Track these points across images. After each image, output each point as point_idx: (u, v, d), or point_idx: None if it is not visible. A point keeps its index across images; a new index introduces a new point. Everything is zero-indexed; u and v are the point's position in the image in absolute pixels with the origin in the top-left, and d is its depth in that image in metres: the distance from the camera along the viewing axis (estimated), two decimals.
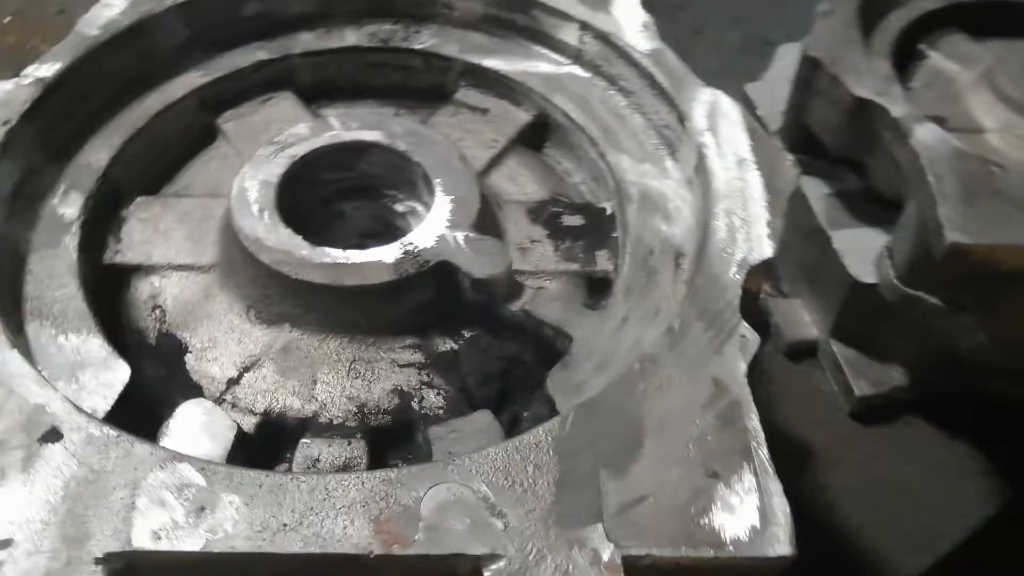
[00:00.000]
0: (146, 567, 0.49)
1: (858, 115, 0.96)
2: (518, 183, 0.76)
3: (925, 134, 0.90)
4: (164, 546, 0.48)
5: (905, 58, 1.10)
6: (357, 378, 0.63)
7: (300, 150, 0.71)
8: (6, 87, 0.71)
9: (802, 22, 1.23)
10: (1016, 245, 0.80)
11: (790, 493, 0.94)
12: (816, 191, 1.06)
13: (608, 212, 0.72)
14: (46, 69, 0.72)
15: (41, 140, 0.72)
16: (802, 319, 1.10)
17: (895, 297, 0.94)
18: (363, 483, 0.50)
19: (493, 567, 0.48)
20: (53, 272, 0.66)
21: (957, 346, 0.93)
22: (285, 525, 0.49)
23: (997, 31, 1.13)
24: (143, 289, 0.69)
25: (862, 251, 1.00)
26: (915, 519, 0.93)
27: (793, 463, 0.95)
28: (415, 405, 0.62)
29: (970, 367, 0.97)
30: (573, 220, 0.72)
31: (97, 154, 0.73)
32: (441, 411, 0.62)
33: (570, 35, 0.80)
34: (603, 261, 0.70)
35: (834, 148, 0.99)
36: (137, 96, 0.77)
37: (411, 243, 0.65)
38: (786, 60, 1.19)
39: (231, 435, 0.59)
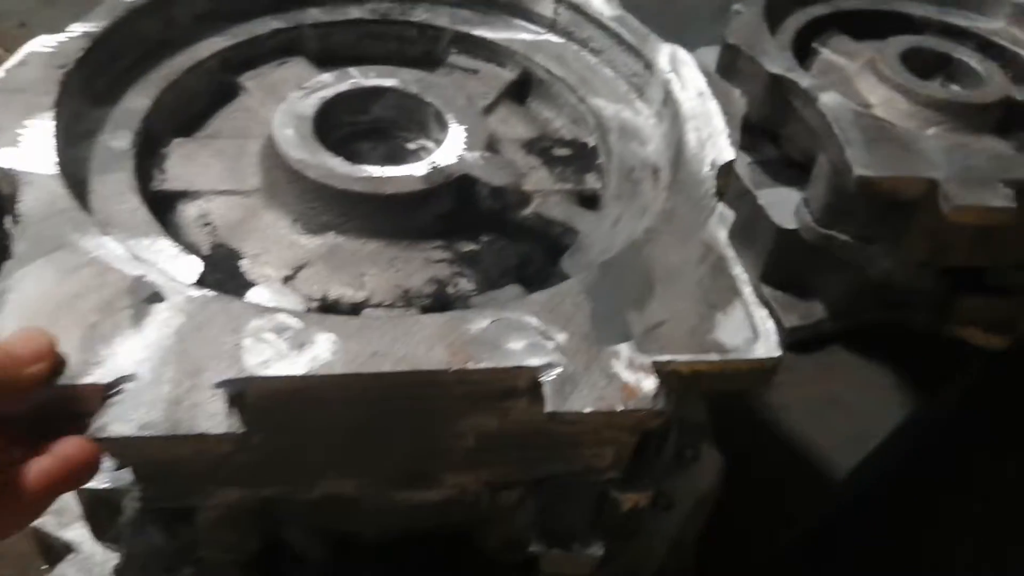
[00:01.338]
0: (257, 393, 0.57)
1: (773, 89, 1.14)
2: (510, 126, 0.89)
3: (828, 99, 1.08)
4: (273, 372, 0.57)
5: (802, 54, 1.31)
6: (398, 271, 0.73)
7: (328, 93, 0.81)
8: (59, 38, 0.79)
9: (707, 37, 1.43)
10: (910, 176, 0.98)
11: (742, 409, 1.09)
12: (741, 160, 1.23)
13: (591, 145, 0.86)
14: (91, 26, 0.81)
15: (88, 86, 0.80)
16: None
17: (814, 237, 1.11)
18: (435, 320, 0.61)
19: (550, 375, 0.59)
20: (114, 191, 0.74)
21: (869, 275, 1.10)
22: (376, 352, 0.58)
23: (872, 34, 1.35)
24: (191, 211, 0.77)
25: (783, 204, 1.17)
26: (845, 425, 1.09)
27: None
28: (450, 289, 0.73)
29: (881, 299, 1.15)
30: (562, 151, 0.85)
31: (138, 100, 0.82)
32: (473, 293, 0.73)
33: (546, 8, 0.94)
34: (592, 181, 0.83)
35: (755, 119, 1.17)
36: (167, 56, 0.87)
37: (436, 161, 0.76)
38: (705, 60, 1.38)
39: (302, 308, 0.68)
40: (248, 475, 0.66)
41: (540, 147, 0.85)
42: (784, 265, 1.18)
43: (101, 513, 0.71)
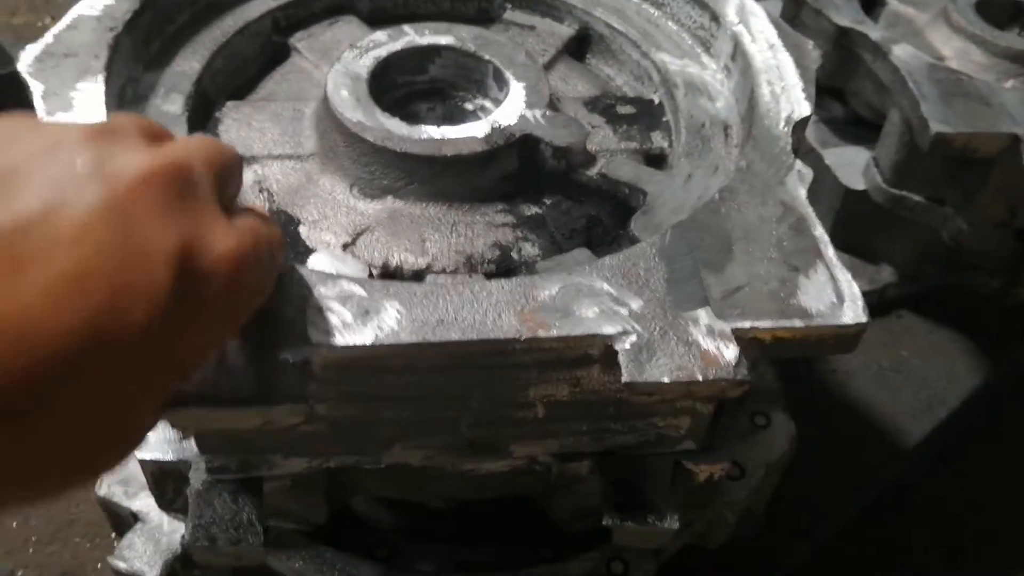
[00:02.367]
0: (323, 363, 0.56)
1: (840, 42, 1.09)
2: (570, 84, 0.86)
3: (901, 51, 1.03)
4: (339, 342, 0.55)
5: (868, 4, 1.24)
6: (460, 236, 0.71)
7: (382, 52, 0.79)
8: (106, 1, 0.78)
9: None
10: (987, 132, 0.93)
11: (808, 375, 1.06)
12: None
13: (656, 102, 0.83)
14: None
15: (138, 49, 0.78)
16: None
17: (883, 198, 1.07)
18: (503, 286, 0.58)
19: (625, 343, 0.56)
20: None
21: (940, 237, 1.06)
22: (442, 320, 0.56)
23: None
24: (247, 176, 0.75)
25: (850, 164, 1.13)
26: (914, 393, 1.06)
27: None
28: (515, 255, 0.70)
29: (951, 262, 1.11)
30: (626, 109, 0.82)
31: (188, 63, 0.80)
32: (538, 258, 0.70)
33: None
34: (658, 139, 0.79)
35: (822, 75, 1.11)
36: (217, 17, 0.84)
37: (496, 121, 0.74)
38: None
39: (364, 275, 0.66)
40: (315, 445, 0.65)
41: (603, 105, 0.82)
42: (850, 227, 1.14)
43: (167, 485, 0.70)
